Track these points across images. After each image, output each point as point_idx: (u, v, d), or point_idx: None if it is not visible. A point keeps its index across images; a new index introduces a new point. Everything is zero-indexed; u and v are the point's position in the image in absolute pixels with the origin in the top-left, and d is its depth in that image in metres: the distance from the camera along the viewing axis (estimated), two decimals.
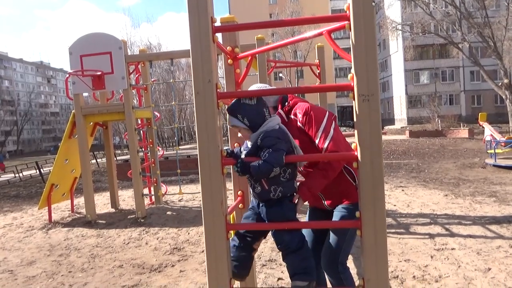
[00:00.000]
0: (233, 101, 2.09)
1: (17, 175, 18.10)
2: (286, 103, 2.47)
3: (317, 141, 2.31)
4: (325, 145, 2.26)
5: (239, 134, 2.13)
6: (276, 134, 1.97)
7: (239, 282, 2.73)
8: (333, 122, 2.37)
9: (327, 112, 2.40)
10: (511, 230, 4.90)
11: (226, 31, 2.57)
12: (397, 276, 3.70)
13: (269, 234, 2.22)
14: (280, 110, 2.47)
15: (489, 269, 3.74)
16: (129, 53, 7.28)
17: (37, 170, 16.70)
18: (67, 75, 6.86)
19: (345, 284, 2.46)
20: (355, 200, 2.41)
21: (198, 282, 3.94)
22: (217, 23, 2.00)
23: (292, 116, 2.42)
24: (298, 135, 2.35)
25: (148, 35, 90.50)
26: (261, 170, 1.90)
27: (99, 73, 6.62)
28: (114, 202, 7.98)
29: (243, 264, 2.11)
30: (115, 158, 9.48)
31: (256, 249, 2.21)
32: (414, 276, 3.68)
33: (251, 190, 2.15)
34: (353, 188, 2.39)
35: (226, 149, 2.10)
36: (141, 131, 8.37)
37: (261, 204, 2.09)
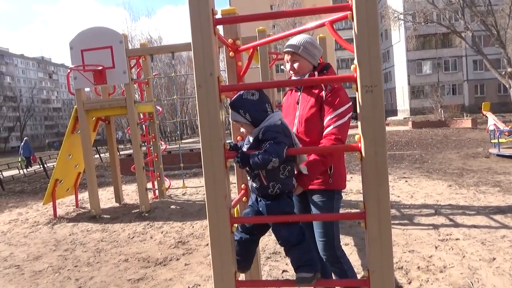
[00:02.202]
0: (235, 96, 2.08)
1: (21, 171, 18.20)
2: (325, 71, 2.54)
3: (327, 118, 2.37)
4: (333, 126, 2.33)
5: (242, 129, 2.13)
6: (277, 129, 1.97)
7: (243, 274, 2.75)
8: (350, 113, 2.42)
9: (351, 103, 2.43)
10: None
11: (227, 23, 2.54)
12: (402, 267, 3.71)
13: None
14: (316, 73, 2.54)
15: (494, 258, 3.74)
16: (130, 47, 7.24)
17: (41, 166, 16.79)
18: (69, 70, 6.85)
19: (346, 268, 2.54)
20: (325, 186, 2.49)
21: (203, 275, 3.96)
22: (218, 15, 1.98)
23: (322, 84, 2.47)
24: (312, 105, 2.45)
25: (149, 29, 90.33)
26: (260, 160, 1.88)
27: (100, 67, 6.60)
28: (118, 196, 8.02)
29: (245, 258, 2.13)
30: (118, 153, 9.49)
31: (257, 244, 2.24)
32: (418, 267, 3.68)
33: (250, 185, 2.15)
34: (326, 175, 2.47)
35: (229, 143, 2.10)
36: (144, 126, 8.37)
37: (259, 199, 2.10)
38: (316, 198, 2.54)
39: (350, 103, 2.42)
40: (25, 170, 18.29)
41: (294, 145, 2.06)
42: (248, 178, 2.16)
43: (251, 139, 2.07)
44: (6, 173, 17.69)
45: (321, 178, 2.49)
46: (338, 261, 2.53)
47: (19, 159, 20.12)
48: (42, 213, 7.71)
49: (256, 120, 2.01)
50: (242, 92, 2.06)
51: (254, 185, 2.07)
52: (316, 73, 2.53)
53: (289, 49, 2.51)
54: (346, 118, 2.37)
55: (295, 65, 2.51)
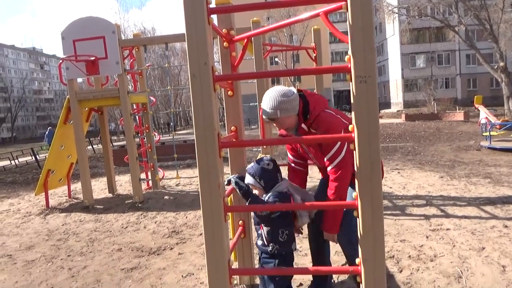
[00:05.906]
0: (254, 163, 2.41)
1: (12, 161, 18.06)
2: (309, 115, 2.50)
3: (325, 158, 2.48)
4: (330, 168, 2.44)
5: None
6: (279, 199, 2.31)
7: (237, 262, 2.78)
8: (345, 147, 2.44)
9: (342, 130, 2.46)
10: (505, 211, 4.97)
11: (221, 12, 2.54)
12: (393, 256, 3.76)
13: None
14: (303, 125, 2.51)
15: (483, 248, 3.80)
16: (123, 38, 7.17)
17: (33, 157, 16.68)
18: (61, 61, 6.77)
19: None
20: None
21: (196, 264, 3.98)
22: (212, 5, 1.98)
23: (313, 130, 2.51)
24: (316, 147, 2.58)
25: (142, 20, 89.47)
26: (260, 213, 2.29)
27: (92, 58, 6.53)
28: (111, 187, 8.00)
29: None
30: (111, 144, 9.45)
31: None
32: (409, 256, 3.74)
33: (255, 242, 2.52)
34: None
35: (236, 176, 2.36)
36: (137, 116, 8.33)
37: (261, 254, 2.44)
38: None
39: (342, 130, 2.44)
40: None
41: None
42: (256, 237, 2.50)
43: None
44: None
45: None
46: (356, 248, 2.60)
47: (44, 146, 23.39)
48: (34, 203, 7.67)
49: (268, 186, 2.35)
50: (259, 160, 2.40)
51: (259, 243, 2.42)
52: (304, 126, 2.51)
53: (270, 117, 2.45)
54: (343, 153, 2.39)
55: (283, 126, 2.50)
